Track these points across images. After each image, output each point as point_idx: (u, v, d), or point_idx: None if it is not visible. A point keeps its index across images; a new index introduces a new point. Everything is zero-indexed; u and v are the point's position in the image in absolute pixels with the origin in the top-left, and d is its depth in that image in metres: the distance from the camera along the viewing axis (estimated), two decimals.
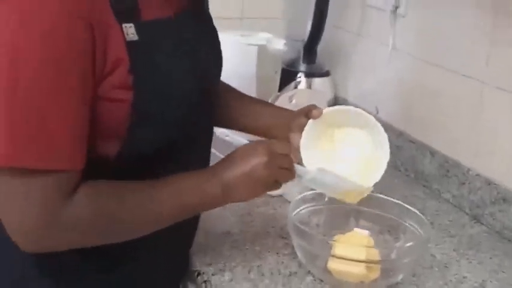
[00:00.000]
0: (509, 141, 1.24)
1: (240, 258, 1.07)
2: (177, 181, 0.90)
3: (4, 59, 0.75)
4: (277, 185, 0.95)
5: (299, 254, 1.05)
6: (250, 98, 1.19)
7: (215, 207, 0.95)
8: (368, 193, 1.04)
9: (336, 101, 1.70)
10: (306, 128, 1.03)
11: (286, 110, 1.15)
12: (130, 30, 0.81)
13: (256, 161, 0.91)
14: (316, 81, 1.69)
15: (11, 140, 0.76)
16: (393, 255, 1.03)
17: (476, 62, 1.30)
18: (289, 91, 1.45)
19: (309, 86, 1.67)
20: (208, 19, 1.05)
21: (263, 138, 1.12)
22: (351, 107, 1.05)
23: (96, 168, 0.83)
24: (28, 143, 0.76)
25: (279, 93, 1.50)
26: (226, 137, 1.13)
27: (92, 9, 0.78)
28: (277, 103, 1.32)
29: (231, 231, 1.16)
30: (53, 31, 0.75)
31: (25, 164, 0.77)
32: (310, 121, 1.03)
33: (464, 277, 1.08)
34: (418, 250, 1.03)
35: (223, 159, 0.94)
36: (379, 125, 1.02)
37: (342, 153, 1.04)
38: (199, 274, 1.03)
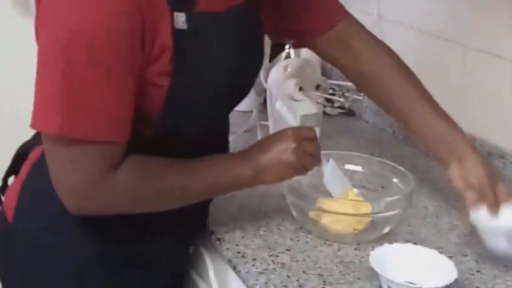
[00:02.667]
0: (489, 97, 1.33)
1: (248, 218, 1.14)
2: (213, 163, 0.98)
3: (62, 38, 0.82)
4: (304, 170, 1.02)
5: (294, 213, 1.12)
6: (426, 105, 1.15)
7: (245, 188, 1.03)
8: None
9: (323, 69, 1.77)
10: None
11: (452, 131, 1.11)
12: (181, 19, 0.86)
13: (285, 146, 0.99)
14: (304, 51, 1.75)
15: (67, 111, 0.83)
16: (381, 208, 1.11)
17: (458, 26, 1.39)
18: (281, 61, 1.51)
19: (298, 56, 1.73)
20: (256, 13, 1.06)
21: None
22: None
23: (133, 145, 0.91)
24: (80, 115, 0.84)
25: (270, 64, 1.57)
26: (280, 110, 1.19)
27: None
28: (273, 72, 1.39)
29: (238, 194, 1.22)
30: (104, 12, 0.81)
31: (76, 134, 0.84)
32: None
33: (455, 225, 1.17)
34: (402, 203, 1.10)
35: (255, 144, 1.02)
36: None
37: None
38: (212, 233, 1.10)
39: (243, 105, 1.56)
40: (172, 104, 0.90)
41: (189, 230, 1.12)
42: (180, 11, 0.87)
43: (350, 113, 1.68)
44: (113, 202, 0.91)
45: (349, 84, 1.55)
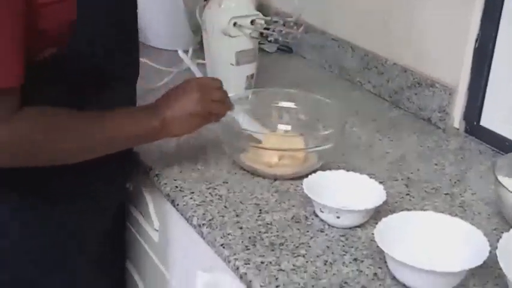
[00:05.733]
0: (419, 31, 1.36)
1: (186, 154, 1.15)
2: (120, 115, 0.97)
3: None
4: (213, 117, 1.04)
5: (227, 150, 1.13)
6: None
7: (154, 141, 1.04)
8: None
9: (259, 6, 1.76)
10: None
11: None
12: None
13: (189, 97, 0.99)
14: None
15: None
16: (315, 142, 1.12)
17: None
18: None
19: None
20: None
21: None
22: None
23: (34, 73, 0.88)
24: None
25: (206, 1, 1.55)
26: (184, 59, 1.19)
27: None
28: (207, 8, 1.38)
29: None
30: None
31: None
32: None
33: (387, 152, 1.22)
34: (335, 136, 1.11)
35: (161, 97, 1.01)
36: None
37: None
38: (150, 169, 1.11)
39: (180, 45, 1.55)
40: (82, 15, 0.88)
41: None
42: None
43: (288, 50, 1.69)
44: (10, 151, 0.88)
45: (286, 19, 1.56)
